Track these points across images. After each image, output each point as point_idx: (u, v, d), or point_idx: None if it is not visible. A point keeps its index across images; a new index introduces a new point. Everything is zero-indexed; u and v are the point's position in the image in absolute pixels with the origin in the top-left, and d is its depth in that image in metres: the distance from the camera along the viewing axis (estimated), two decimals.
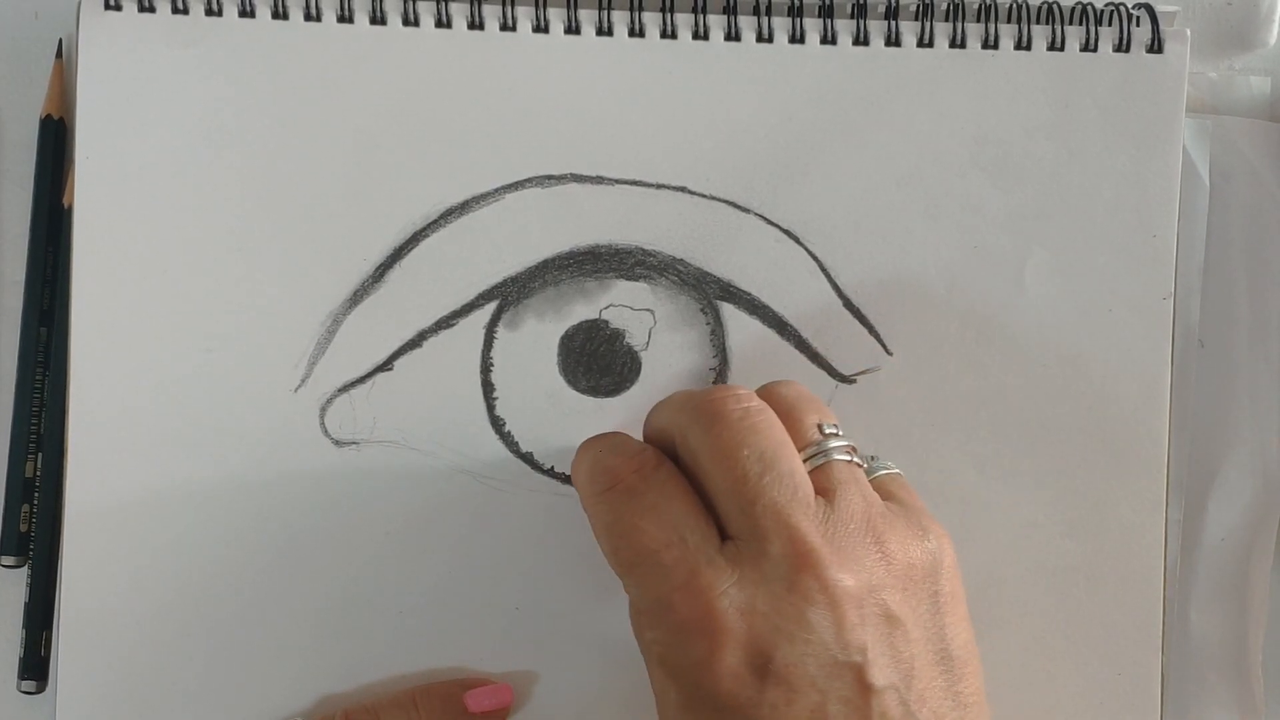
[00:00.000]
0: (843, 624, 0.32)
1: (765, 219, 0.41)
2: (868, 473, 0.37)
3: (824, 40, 0.41)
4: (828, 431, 0.36)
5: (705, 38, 0.41)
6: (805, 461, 0.35)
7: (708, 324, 0.41)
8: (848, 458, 0.35)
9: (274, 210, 0.41)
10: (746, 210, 0.41)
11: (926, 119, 0.41)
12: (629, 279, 0.41)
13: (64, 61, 0.42)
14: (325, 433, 0.41)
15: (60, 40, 0.43)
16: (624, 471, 0.35)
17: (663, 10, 0.41)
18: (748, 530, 0.33)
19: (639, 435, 0.37)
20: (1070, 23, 0.42)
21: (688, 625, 0.33)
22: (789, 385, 0.37)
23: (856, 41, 0.41)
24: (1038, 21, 0.42)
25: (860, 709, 0.32)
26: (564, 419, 0.41)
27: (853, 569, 0.33)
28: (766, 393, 0.36)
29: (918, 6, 0.41)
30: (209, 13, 0.41)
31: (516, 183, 0.41)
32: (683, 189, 0.41)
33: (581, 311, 0.41)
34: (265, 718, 0.41)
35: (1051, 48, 0.42)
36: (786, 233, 0.41)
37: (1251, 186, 0.43)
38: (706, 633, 0.32)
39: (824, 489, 0.34)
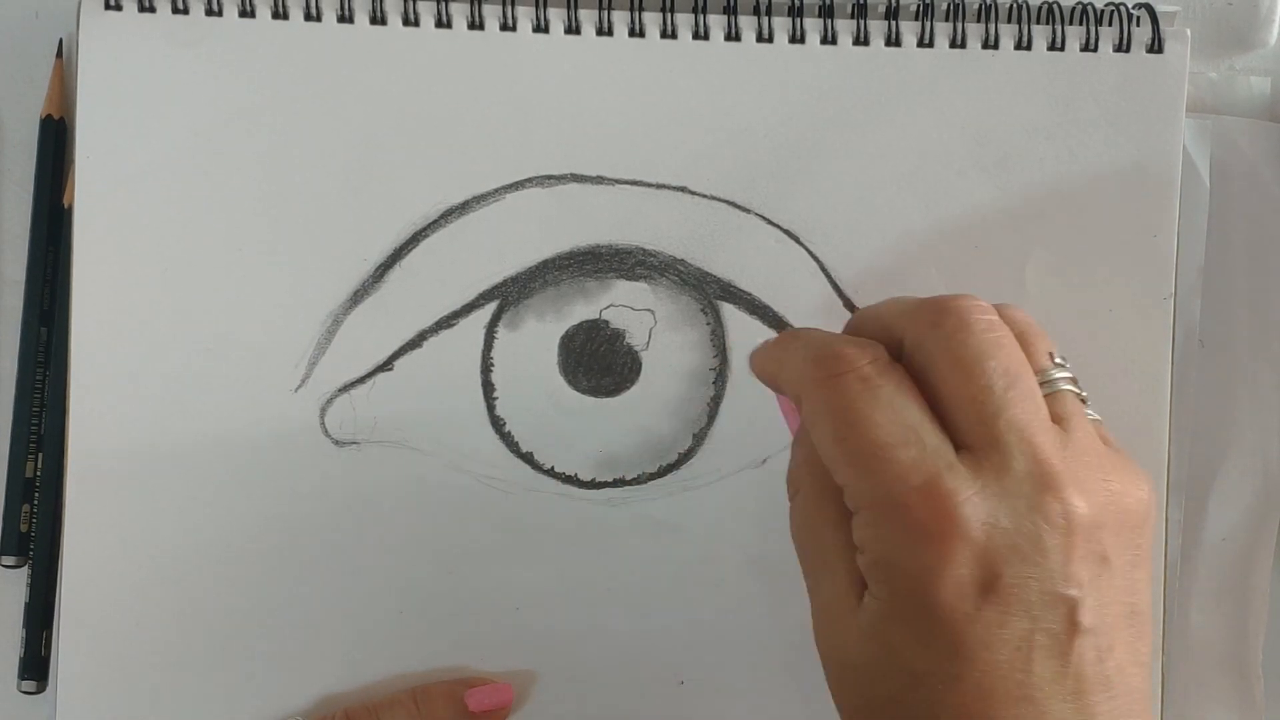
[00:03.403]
0: (1071, 554, 0.31)
1: (766, 219, 0.41)
2: None
3: (824, 40, 0.41)
4: (1058, 361, 0.35)
5: (705, 38, 0.41)
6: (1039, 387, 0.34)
7: (708, 324, 0.41)
8: (1075, 389, 0.35)
9: (274, 210, 0.41)
10: (747, 210, 0.41)
11: (927, 119, 0.42)
12: (629, 279, 0.41)
13: (64, 61, 0.42)
14: (325, 433, 0.41)
15: (60, 40, 0.43)
16: (859, 361, 0.33)
17: (663, 10, 0.41)
18: (988, 443, 0.32)
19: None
20: (1070, 23, 0.42)
21: (923, 528, 0.31)
22: (1020, 311, 0.36)
23: (857, 41, 0.41)
24: (1038, 21, 0.42)
25: (1063, 645, 0.31)
26: (564, 419, 0.41)
27: (1088, 499, 0.32)
28: (1001, 314, 0.35)
29: (918, 6, 0.41)
30: (209, 13, 0.41)
31: (517, 182, 0.41)
32: (683, 189, 0.41)
33: (582, 311, 0.41)
34: (265, 717, 0.41)
35: (1052, 48, 0.42)
36: (787, 233, 0.41)
37: (1252, 186, 0.43)
38: (942, 537, 0.31)
39: (1057, 417, 0.33)
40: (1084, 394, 0.35)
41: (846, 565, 0.33)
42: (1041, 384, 0.34)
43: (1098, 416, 0.36)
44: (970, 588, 0.31)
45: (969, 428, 0.32)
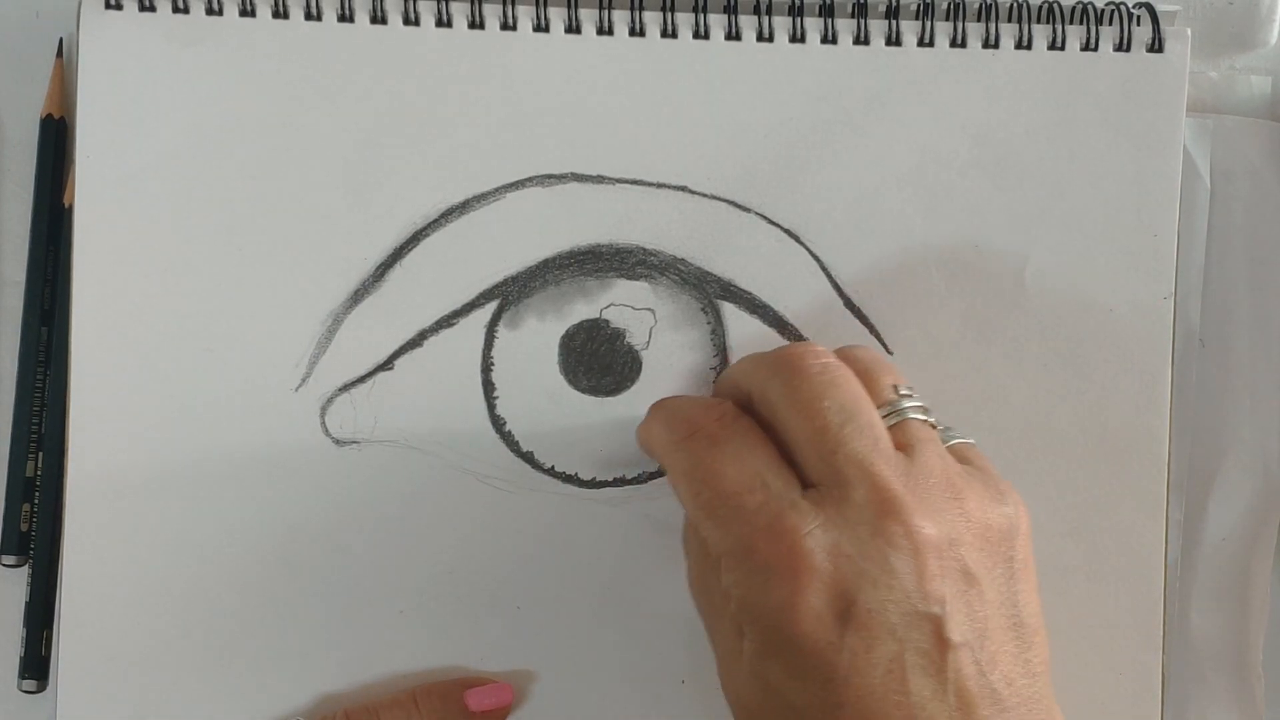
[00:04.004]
0: (924, 572, 0.32)
1: (766, 218, 0.41)
2: (941, 439, 0.37)
3: (824, 39, 0.41)
4: (903, 392, 0.36)
5: (706, 37, 0.41)
6: (883, 419, 0.35)
7: (708, 323, 0.41)
8: (923, 417, 0.36)
9: (274, 209, 0.41)
10: (747, 210, 0.41)
11: (927, 118, 0.41)
12: (630, 278, 0.41)
13: (64, 61, 0.42)
14: (326, 432, 0.41)
15: (61, 39, 0.43)
16: (704, 420, 0.35)
17: (663, 9, 0.41)
18: (830, 477, 0.33)
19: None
20: (1071, 22, 0.42)
21: (772, 566, 0.33)
22: (863, 349, 0.38)
23: (857, 41, 0.41)
24: (1038, 21, 0.42)
25: (936, 662, 0.32)
26: (564, 418, 0.41)
27: (934, 519, 0.33)
28: (841, 354, 0.36)
29: (918, 6, 0.41)
30: (210, 12, 0.41)
31: (517, 182, 0.41)
32: (683, 188, 0.41)
33: (582, 311, 0.41)
34: (265, 716, 0.41)
35: (1052, 47, 0.42)
36: (787, 232, 0.41)
37: (1252, 186, 0.43)
38: (791, 573, 0.32)
39: (902, 445, 0.35)
40: (933, 420, 0.36)
41: (730, 613, 0.34)
42: (887, 415, 0.35)
43: (968, 439, 0.38)
44: (828, 617, 0.32)
45: (812, 465, 0.34)
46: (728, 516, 0.34)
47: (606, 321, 0.41)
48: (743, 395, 0.36)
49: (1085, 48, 0.42)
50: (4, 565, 0.42)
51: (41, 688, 0.42)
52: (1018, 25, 0.42)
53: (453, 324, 0.41)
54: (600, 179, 0.41)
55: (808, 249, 0.41)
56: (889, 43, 0.41)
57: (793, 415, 0.34)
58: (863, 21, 0.41)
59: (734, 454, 0.34)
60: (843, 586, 0.32)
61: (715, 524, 0.34)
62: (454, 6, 0.41)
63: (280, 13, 0.41)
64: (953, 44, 0.41)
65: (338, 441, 0.41)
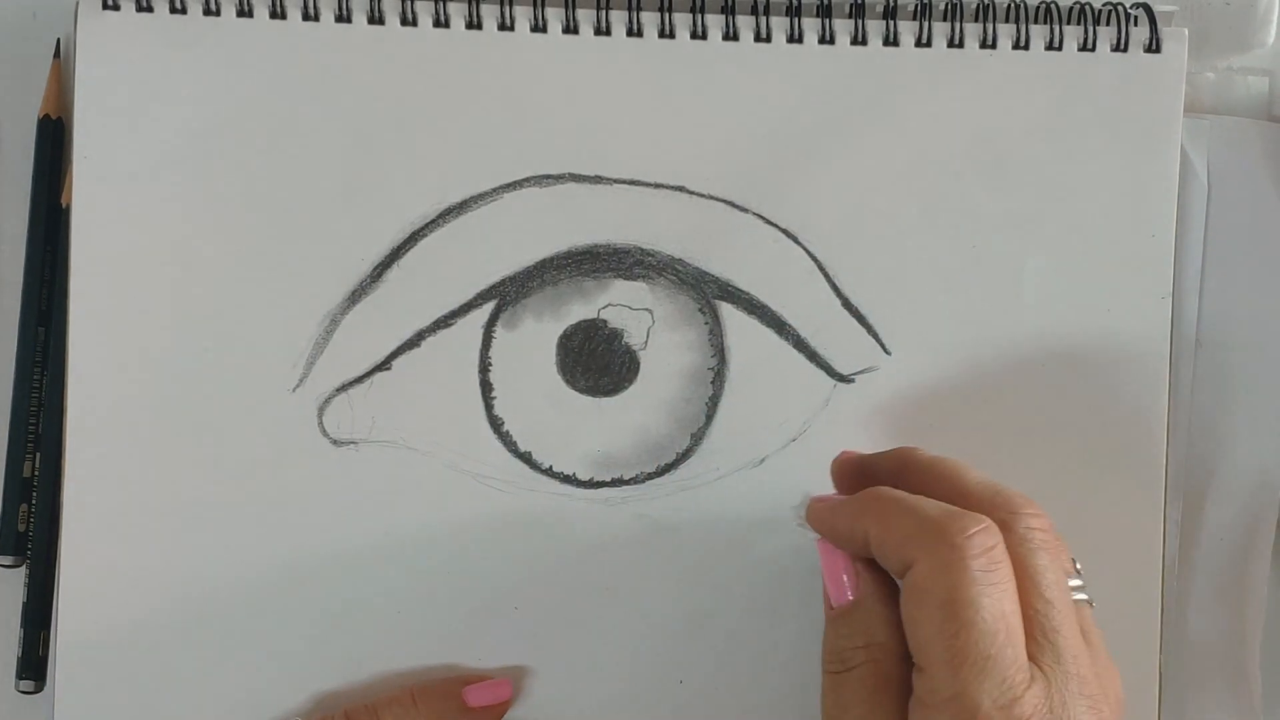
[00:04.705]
0: None
1: (764, 219, 0.41)
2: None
3: (822, 40, 0.41)
4: (1079, 568, 0.36)
5: (703, 37, 0.41)
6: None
7: (706, 323, 0.41)
8: (1087, 597, 0.36)
9: (272, 210, 0.41)
10: (745, 210, 0.41)
11: (924, 119, 0.42)
12: (627, 278, 0.41)
13: (62, 61, 0.42)
14: (323, 432, 0.41)
15: (58, 40, 0.43)
16: (988, 542, 0.33)
17: (661, 10, 0.41)
18: (1049, 656, 0.33)
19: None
20: (1068, 22, 0.42)
21: None
22: (1049, 519, 0.35)
23: (854, 41, 0.41)
24: (1035, 21, 0.42)
25: None
26: (562, 418, 0.41)
27: (1115, 711, 0.34)
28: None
29: (915, 6, 0.41)
30: (207, 12, 0.41)
31: (514, 182, 0.41)
32: (681, 188, 0.41)
33: (580, 311, 0.41)
34: (263, 716, 0.41)
35: (1049, 47, 0.42)
36: (785, 232, 0.41)
37: (1249, 186, 0.43)
38: None
39: (1081, 629, 0.34)
40: (1092, 600, 0.36)
41: None
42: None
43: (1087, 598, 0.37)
44: None
45: (1033, 636, 0.33)
46: (976, 676, 0.32)
47: (604, 322, 0.41)
48: (973, 507, 0.34)
49: (1083, 48, 0.42)
50: (1, 565, 0.42)
51: (38, 688, 0.42)
52: (1015, 26, 0.42)
53: (450, 324, 0.41)
54: (598, 179, 0.41)
55: (806, 249, 0.41)
56: (886, 43, 0.41)
57: (1025, 580, 0.33)
58: (860, 22, 0.41)
59: (999, 599, 0.32)
60: None
61: (961, 675, 0.32)
62: (451, 7, 0.41)
63: (278, 13, 0.41)
64: (950, 44, 0.41)
65: (335, 442, 0.41)
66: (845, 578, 0.36)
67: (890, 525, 0.34)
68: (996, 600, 0.32)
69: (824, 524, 0.37)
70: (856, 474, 0.38)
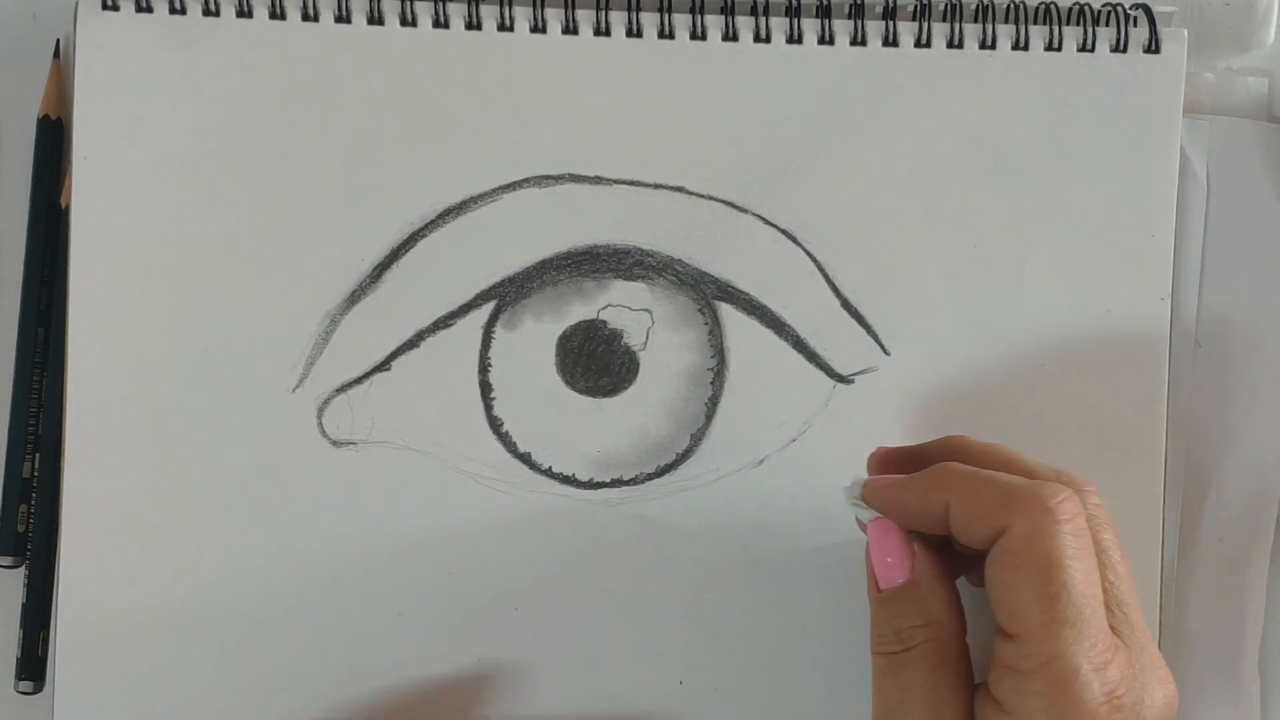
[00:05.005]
0: None
1: (763, 219, 0.41)
2: None
3: (821, 40, 0.41)
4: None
5: (703, 38, 0.41)
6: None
7: (706, 324, 0.41)
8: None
9: (271, 210, 0.41)
10: (744, 210, 0.41)
11: (924, 119, 0.42)
12: (627, 279, 0.41)
13: (61, 62, 0.42)
14: (323, 433, 0.41)
15: (58, 40, 0.43)
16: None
17: (660, 10, 0.41)
18: (1126, 629, 0.34)
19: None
20: (1068, 23, 0.42)
21: (1081, 713, 0.32)
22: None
23: (854, 42, 0.41)
24: (1035, 22, 0.42)
25: None
26: (562, 419, 0.41)
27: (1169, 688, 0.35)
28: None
29: (915, 7, 0.42)
30: (206, 13, 0.41)
31: (514, 183, 0.41)
32: (680, 189, 0.41)
33: (579, 311, 0.41)
34: (263, 716, 0.41)
35: (1049, 48, 0.42)
36: (784, 233, 0.41)
37: (1249, 187, 0.43)
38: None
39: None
40: None
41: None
42: None
43: None
44: None
45: (1109, 608, 0.33)
46: (1074, 636, 0.32)
47: (604, 322, 0.41)
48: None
49: (1082, 49, 0.42)
50: (1, 566, 0.42)
51: (38, 689, 0.42)
52: (1014, 26, 0.42)
53: (450, 325, 0.41)
54: (597, 179, 0.41)
55: (805, 250, 0.41)
56: (886, 44, 0.41)
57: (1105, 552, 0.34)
58: (860, 23, 0.41)
59: (1090, 565, 0.33)
60: None
61: (1061, 637, 0.32)
62: (451, 7, 0.41)
63: (277, 14, 0.41)
64: (949, 45, 0.42)
65: (335, 442, 0.41)
66: (899, 557, 0.35)
67: (977, 494, 0.34)
68: (1089, 566, 0.32)
69: (891, 499, 0.36)
70: (902, 464, 0.38)
